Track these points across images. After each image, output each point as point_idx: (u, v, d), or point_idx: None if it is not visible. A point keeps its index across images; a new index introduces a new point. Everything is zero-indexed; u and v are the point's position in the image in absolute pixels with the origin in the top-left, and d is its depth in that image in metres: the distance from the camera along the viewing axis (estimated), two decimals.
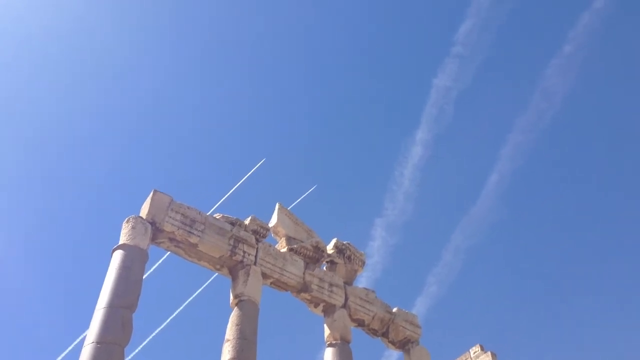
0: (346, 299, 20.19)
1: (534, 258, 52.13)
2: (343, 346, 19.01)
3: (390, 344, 21.28)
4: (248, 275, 18.00)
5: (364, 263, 21.27)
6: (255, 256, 18.65)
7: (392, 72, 57.58)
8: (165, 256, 19.04)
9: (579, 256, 51.29)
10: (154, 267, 22.27)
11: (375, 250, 47.76)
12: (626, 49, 51.68)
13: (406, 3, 56.88)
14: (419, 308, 43.28)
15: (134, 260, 16.27)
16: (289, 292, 19.60)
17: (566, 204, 53.18)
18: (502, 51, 54.19)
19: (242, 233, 18.67)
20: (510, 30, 53.58)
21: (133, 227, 16.75)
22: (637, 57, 51.82)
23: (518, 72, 53.96)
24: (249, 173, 33.76)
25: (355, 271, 21.05)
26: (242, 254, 18.35)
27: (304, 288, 19.43)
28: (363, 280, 29.25)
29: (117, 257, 16.32)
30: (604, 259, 50.40)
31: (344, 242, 21.06)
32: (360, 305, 20.38)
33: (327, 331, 19.46)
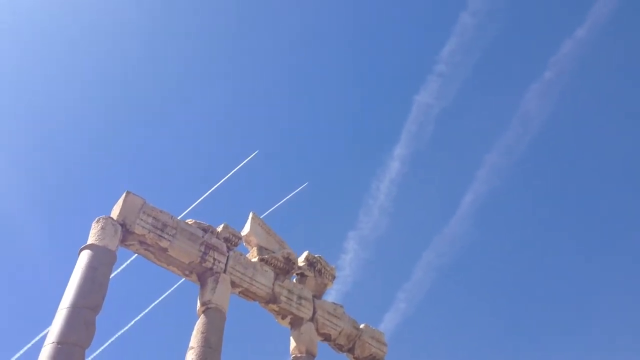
0: (314, 312, 20.12)
1: (503, 280, 52.51)
2: None
3: None
4: (217, 283, 17.84)
5: (334, 277, 21.23)
6: (226, 264, 18.49)
7: (375, 86, 57.83)
8: (132, 257, 18.79)
9: (550, 281, 51.82)
10: (120, 267, 21.93)
11: (347, 264, 47.67)
12: (606, 78, 52.61)
13: (393, 18, 57.19)
14: (387, 324, 43.24)
15: (101, 261, 16.02)
16: (257, 302, 19.46)
17: (539, 228, 53.74)
18: (484, 72, 54.72)
19: (214, 240, 18.51)
20: (493, 53, 54.17)
21: (103, 228, 16.51)
22: (616, 87, 52.75)
23: (498, 94, 54.52)
24: (239, 166, 33.49)
25: (325, 285, 20.99)
26: (212, 261, 18.19)
27: (272, 299, 19.30)
28: (333, 293, 29.23)
29: (84, 257, 16.07)
30: (575, 284, 50.98)
31: (316, 255, 21.01)
32: (327, 320, 20.33)
33: (292, 344, 19.37)
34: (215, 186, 30.40)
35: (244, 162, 33.04)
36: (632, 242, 50.10)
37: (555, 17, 53.59)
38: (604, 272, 50.45)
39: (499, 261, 52.98)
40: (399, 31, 57.95)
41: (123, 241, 17.11)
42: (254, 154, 35.29)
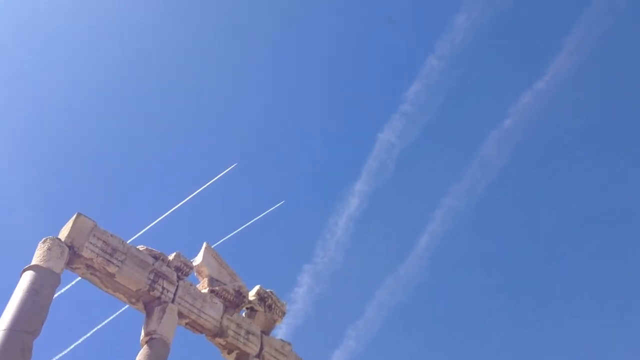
0: (261, 348, 19.75)
1: (453, 323, 52.82)
2: None
3: None
4: (164, 312, 17.43)
5: (284, 314, 20.95)
6: (174, 294, 18.10)
7: (340, 121, 58.22)
8: (77, 279, 18.25)
9: (501, 326, 52.37)
10: (64, 289, 21.18)
11: (300, 297, 47.22)
12: (563, 129, 54.31)
13: (364, 55, 57.94)
14: None
15: (44, 284, 15.59)
16: (204, 335, 19.05)
17: (492, 272, 54.44)
18: (446, 116, 55.69)
19: (164, 268, 18.14)
20: (456, 97, 55.25)
21: (49, 249, 16.10)
22: (572, 138, 54.46)
23: (459, 138, 55.57)
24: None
25: (275, 321, 20.68)
26: (160, 289, 17.79)
27: (219, 332, 18.89)
28: (283, 327, 28.80)
29: (27, 278, 15.63)
30: (526, 329, 51.61)
31: (267, 290, 20.72)
32: (274, 357, 19.94)
33: None
34: (169, 212, 29.80)
35: (201, 189, 32.64)
36: (587, 289, 51.22)
37: (517, 68, 55.24)
38: (555, 318, 51.27)
39: (450, 304, 53.33)
40: (368, 68, 58.72)
41: (69, 264, 16.65)
42: (234, 165, 34.93)
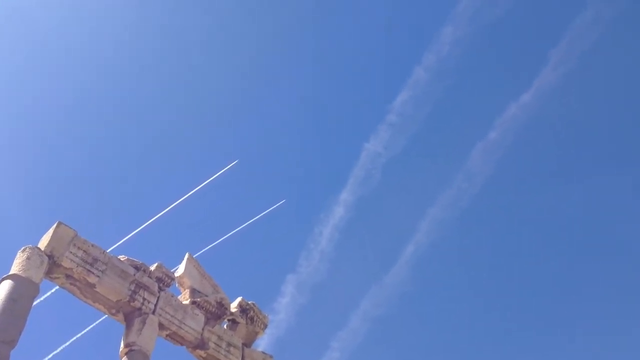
0: None
1: (439, 334, 52.85)
2: None
3: None
4: (144, 324, 17.22)
5: (266, 326, 20.79)
6: (155, 305, 17.90)
7: (327, 130, 58.26)
8: (55, 288, 18.03)
9: (485, 338, 52.47)
10: (43, 297, 20.88)
11: (283, 307, 46.98)
12: (547, 141, 54.85)
13: (352, 65, 58.09)
14: None
15: (23, 294, 15.36)
16: (185, 347, 18.85)
17: (476, 283, 54.60)
18: (432, 126, 55.92)
19: (145, 279, 17.95)
20: (443, 108, 55.48)
21: (28, 258, 15.89)
22: (555, 150, 54.99)
23: (445, 148, 55.80)
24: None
25: (256, 333, 20.52)
26: (141, 300, 17.60)
27: (200, 344, 18.71)
28: (266, 338, 28.64)
29: (5, 287, 15.40)
30: (511, 341, 51.79)
31: (249, 302, 20.57)
32: None
33: None
34: (150, 221, 29.48)
35: (183, 197, 32.43)
36: (575, 297, 51.57)
37: (503, 81, 55.74)
38: (541, 326, 51.49)
39: (435, 314, 53.37)
40: (355, 77, 58.86)
41: (48, 273, 16.46)
42: (235, 162, 34.65)
